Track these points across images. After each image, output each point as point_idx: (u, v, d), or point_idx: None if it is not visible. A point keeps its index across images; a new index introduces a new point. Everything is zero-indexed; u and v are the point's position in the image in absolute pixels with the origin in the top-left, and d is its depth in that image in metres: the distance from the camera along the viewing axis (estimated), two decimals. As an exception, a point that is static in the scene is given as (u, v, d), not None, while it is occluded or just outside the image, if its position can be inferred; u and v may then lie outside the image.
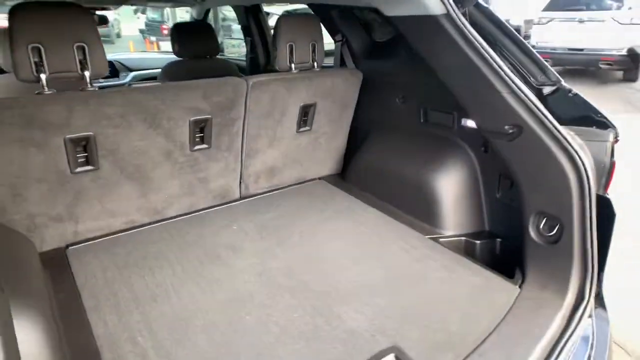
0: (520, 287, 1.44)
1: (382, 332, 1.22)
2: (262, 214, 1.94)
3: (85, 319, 1.27)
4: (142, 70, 3.57)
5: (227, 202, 2.04)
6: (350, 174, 2.31)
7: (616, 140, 1.36)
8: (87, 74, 1.44)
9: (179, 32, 2.88)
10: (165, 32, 14.49)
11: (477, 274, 1.50)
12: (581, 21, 8.96)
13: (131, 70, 3.58)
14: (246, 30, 3.36)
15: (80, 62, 1.43)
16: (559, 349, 1.18)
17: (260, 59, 3.36)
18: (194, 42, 2.89)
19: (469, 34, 1.48)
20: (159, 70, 3.03)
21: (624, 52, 8.42)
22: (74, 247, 1.65)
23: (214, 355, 1.15)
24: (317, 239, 1.73)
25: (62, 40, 1.38)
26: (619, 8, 10.43)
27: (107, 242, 1.68)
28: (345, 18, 2.29)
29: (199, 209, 1.96)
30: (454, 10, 1.50)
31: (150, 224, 1.82)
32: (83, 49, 1.42)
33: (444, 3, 1.50)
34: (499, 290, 1.42)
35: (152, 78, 3.26)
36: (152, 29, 16.84)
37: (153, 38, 16.23)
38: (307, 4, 2.37)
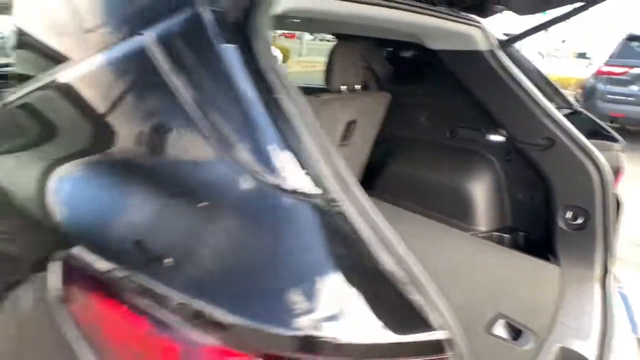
0: (559, 266, 1.82)
1: (485, 305, 1.50)
2: None
3: None
4: None
5: None
6: (378, 185, 2.58)
7: (622, 150, 1.82)
8: None
9: None
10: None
11: (525, 260, 1.85)
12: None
13: None
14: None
15: None
16: (609, 307, 1.56)
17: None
18: None
19: (509, 68, 1.86)
20: None
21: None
22: None
23: None
24: None
25: None
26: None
27: None
28: (369, 46, 2.59)
29: None
30: (497, 47, 1.89)
31: None
32: None
33: (489, 41, 1.88)
34: (546, 270, 1.78)
35: None
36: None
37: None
38: (334, 34, 2.63)
